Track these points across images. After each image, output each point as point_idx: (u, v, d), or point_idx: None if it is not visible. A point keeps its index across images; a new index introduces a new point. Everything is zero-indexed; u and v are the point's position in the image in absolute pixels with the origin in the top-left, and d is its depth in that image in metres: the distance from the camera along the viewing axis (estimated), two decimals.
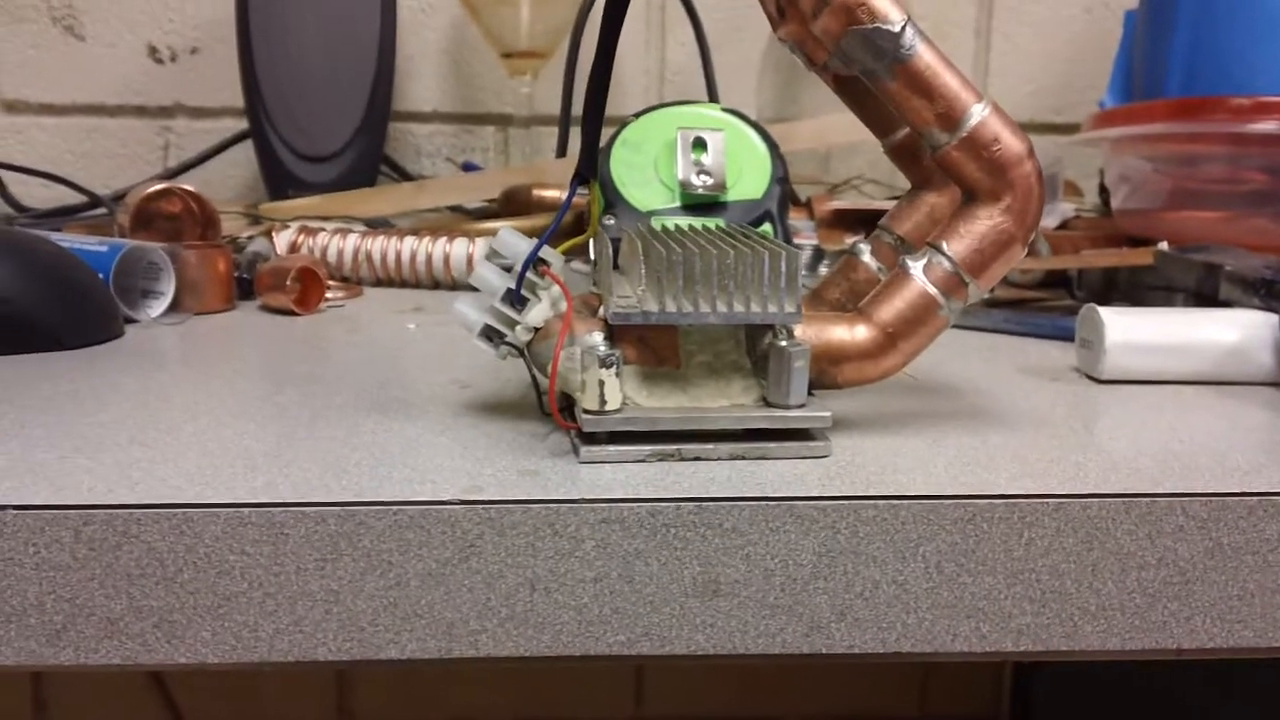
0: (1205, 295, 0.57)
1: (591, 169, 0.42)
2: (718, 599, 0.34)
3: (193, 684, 1.25)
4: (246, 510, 0.33)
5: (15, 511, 0.32)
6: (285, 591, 0.33)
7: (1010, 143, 0.39)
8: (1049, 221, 0.87)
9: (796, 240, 0.79)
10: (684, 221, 0.46)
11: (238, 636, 0.34)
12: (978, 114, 0.39)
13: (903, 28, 0.38)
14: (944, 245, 0.40)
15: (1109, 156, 0.81)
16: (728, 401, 0.39)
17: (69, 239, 0.64)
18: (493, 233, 0.80)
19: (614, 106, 0.40)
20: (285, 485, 0.34)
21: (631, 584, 0.34)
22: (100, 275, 0.60)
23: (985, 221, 0.39)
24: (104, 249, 0.62)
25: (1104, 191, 0.88)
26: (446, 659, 0.34)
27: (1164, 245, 0.63)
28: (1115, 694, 1.12)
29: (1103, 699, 1.14)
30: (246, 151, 1.14)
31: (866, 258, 0.46)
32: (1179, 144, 0.74)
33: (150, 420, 0.42)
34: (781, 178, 0.64)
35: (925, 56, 0.38)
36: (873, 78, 0.39)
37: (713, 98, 1.10)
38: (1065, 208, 0.90)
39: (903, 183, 0.47)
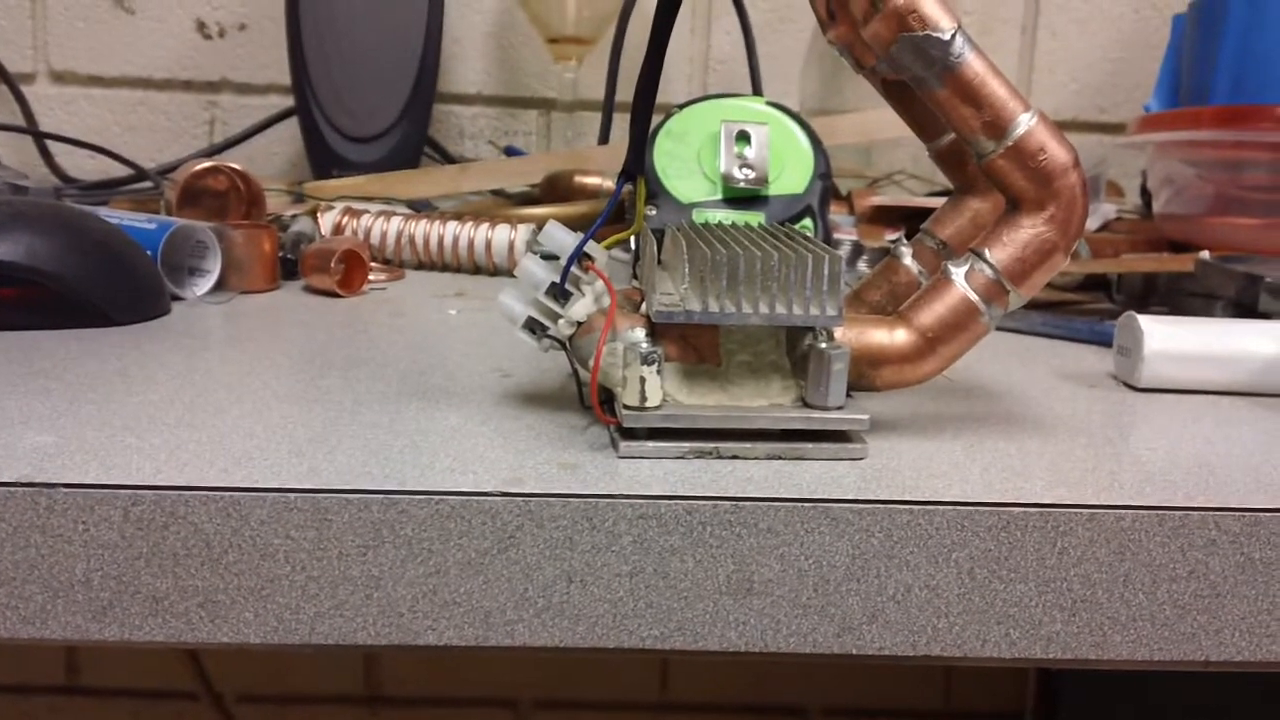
0: (1245, 305, 0.57)
1: (640, 166, 0.42)
2: (751, 597, 0.35)
3: (222, 655, 1.27)
4: (292, 495, 0.33)
5: (66, 490, 0.33)
6: (327, 575, 0.34)
7: (1056, 153, 0.39)
8: (1090, 223, 0.86)
9: (836, 235, 0.79)
10: (726, 218, 0.47)
11: (280, 618, 0.34)
12: (1025, 123, 0.39)
13: (953, 35, 0.38)
14: (986, 252, 0.40)
15: (1153, 159, 0.81)
16: (766, 401, 0.39)
17: (118, 215, 0.64)
18: (534, 219, 0.81)
19: (658, 95, 0.41)
20: (330, 471, 0.35)
21: (666, 579, 0.35)
22: (149, 252, 0.60)
23: (1028, 230, 0.39)
24: (152, 226, 0.63)
25: (1146, 193, 0.88)
26: (483, 646, 0.35)
27: (1205, 254, 0.63)
28: (1141, 691, 1.12)
29: (1129, 695, 1.14)
30: (291, 129, 1.15)
31: (908, 260, 0.47)
32: (1224, 150, 0.74)
33: (197, 401, 0.42)
34: (824, 174, 0.65)
35: (974, 65, 0.39)
36: (921, 84, 0.39)
37: (756, 88, 1.10)
38: (1107, 209, 0.90)
39: (945, 179, 0.47)
